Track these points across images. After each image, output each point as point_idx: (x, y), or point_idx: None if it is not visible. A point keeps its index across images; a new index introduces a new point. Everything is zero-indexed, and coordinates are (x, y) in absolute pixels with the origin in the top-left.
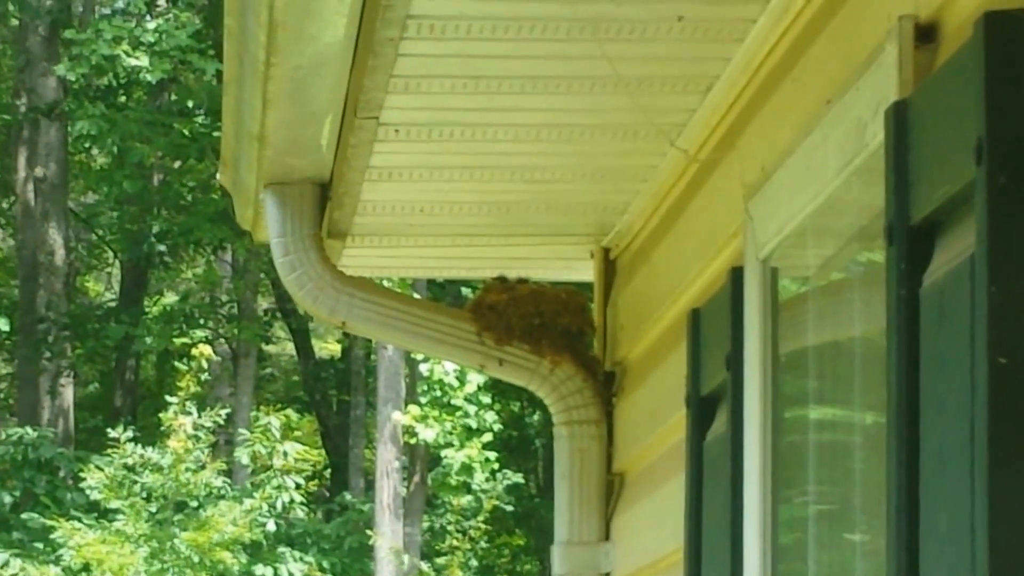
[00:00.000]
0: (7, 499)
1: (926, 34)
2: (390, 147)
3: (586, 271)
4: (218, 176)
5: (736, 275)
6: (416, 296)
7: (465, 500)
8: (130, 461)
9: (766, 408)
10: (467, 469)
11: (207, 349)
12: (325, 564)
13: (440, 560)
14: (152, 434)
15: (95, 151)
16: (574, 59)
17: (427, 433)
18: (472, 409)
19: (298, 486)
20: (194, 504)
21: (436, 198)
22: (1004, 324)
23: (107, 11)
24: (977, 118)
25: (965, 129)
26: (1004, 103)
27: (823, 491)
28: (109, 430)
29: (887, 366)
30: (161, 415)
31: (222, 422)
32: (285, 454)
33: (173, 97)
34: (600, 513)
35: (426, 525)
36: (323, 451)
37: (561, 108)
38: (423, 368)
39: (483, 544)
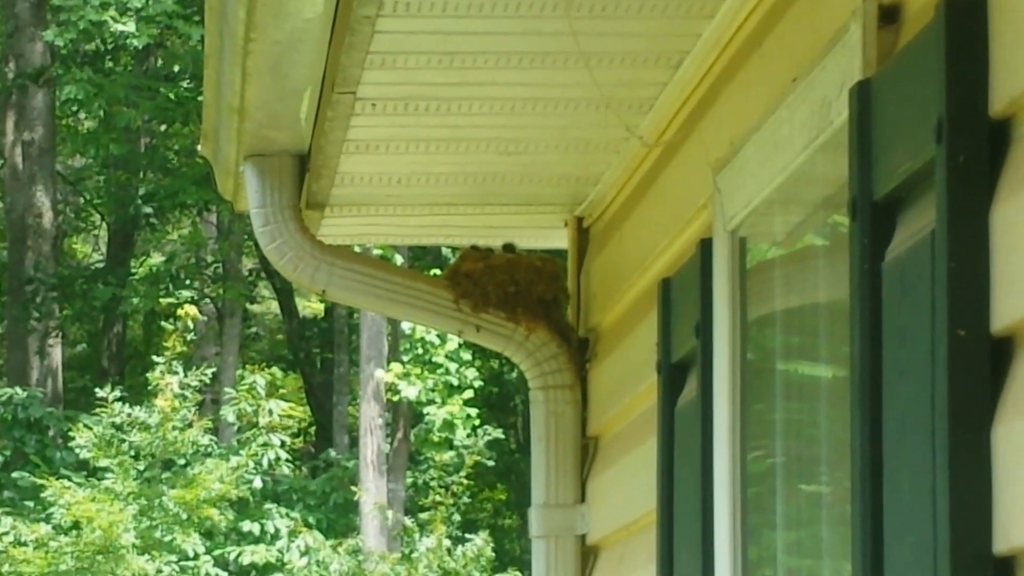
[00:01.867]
0: None
1: (889, 15)
2: (367, 121)
3: (560, 239)
4: (199, 147)
5: (705, 246)
6: (398, 256)
7: (447, 456)
8: (118, 420)
9: (735, 375)
10: (449, 425)
11: (193, 309)
12: (311, 519)
13: (423, 515)
14: (139, 393)
15: (82, 115)
16: (547, 35)
17: (409, 390)
18: (453, 366)
19: (283, 443)
20: (181, 462)
21: (413, 170)
22: (963, 298)
23: None
24: (937, 99)
25: (926, 109)
26: (963, 85)
27: (790, 454)
28: (97, 390)
29: (851, 337)
30: (148, 375)
31: (208, 381)
32: (270, 412)
33: (159, 62)
34: (576, 476)
35: (409, 481)
36: (308, 408)
37: (535, 83)
38: (405, 326)
39: (465, 499)
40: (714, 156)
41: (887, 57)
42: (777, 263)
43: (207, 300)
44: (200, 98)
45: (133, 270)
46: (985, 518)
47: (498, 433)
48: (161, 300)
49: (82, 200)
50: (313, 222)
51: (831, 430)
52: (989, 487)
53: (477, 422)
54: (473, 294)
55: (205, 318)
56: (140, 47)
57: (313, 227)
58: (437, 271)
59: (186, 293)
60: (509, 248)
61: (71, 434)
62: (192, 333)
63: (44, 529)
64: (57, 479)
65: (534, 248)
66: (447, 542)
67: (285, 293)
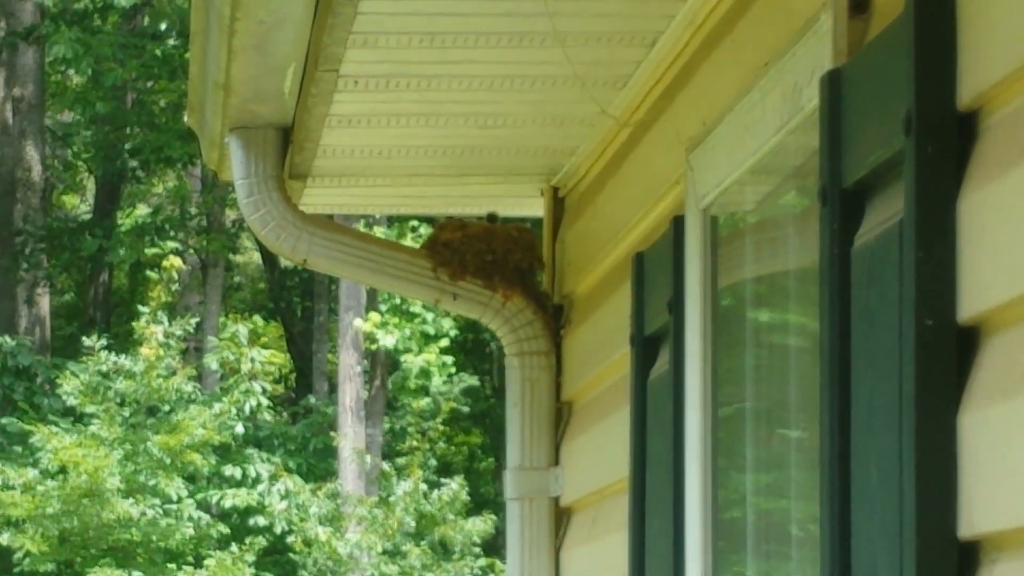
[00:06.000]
0: None
1: (859, 6)
2: (349, 97)
3: (536, 207)
4: (185, 119)
5: (678, 223)
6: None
7: (424, 402)
8: (104, 368)
9: (706, 350)
10: (425, 373)
11: (177, 260)
12: (291, 464)
13: (401, 460)
14: (125, 342)
15: (71, 72)
16: (524, 16)
17: (387, 339)
18: (429, 316)
19: (264, 390)
20: (166, 409)
21: (393, 143)
22: (930, 287)
23: None
24: (906, 91)
25: (895, 100)
26: (932, 77)
27: (761, 430)
28: (84, 338)
29: (820, 322)
30: (133, 323)
31: (192, 330)
32: (252, 360)
33: (146, 20)
34: (550, 439)
35: (387, 427)
36: (288, 356)
37: (512, 61)
38: None
39: (441, 444)
40: (686, 135)
41: (857, 47)
42: (749, 243)
43: (191, 251)
44: (186, 55)
45: (119, 222)
46: (950, 504)
47: (473, 380)
48: (146, 251)
49: (70, 154)
50: (296, 192)
51: (801, 407)
52: (955, 474)
53: (453, 369)
54: (451, 263)
55: (189, 268)
56: (127, 6)
57: (296, 196)
58: (415, 222)
59: (171, 244)
60: (492, 218)
61: (58, 381)
62: (176, 283)
63: (31, 474)
64: (44, 425)
65: (510, 216)
66: (423, 486)
67: None
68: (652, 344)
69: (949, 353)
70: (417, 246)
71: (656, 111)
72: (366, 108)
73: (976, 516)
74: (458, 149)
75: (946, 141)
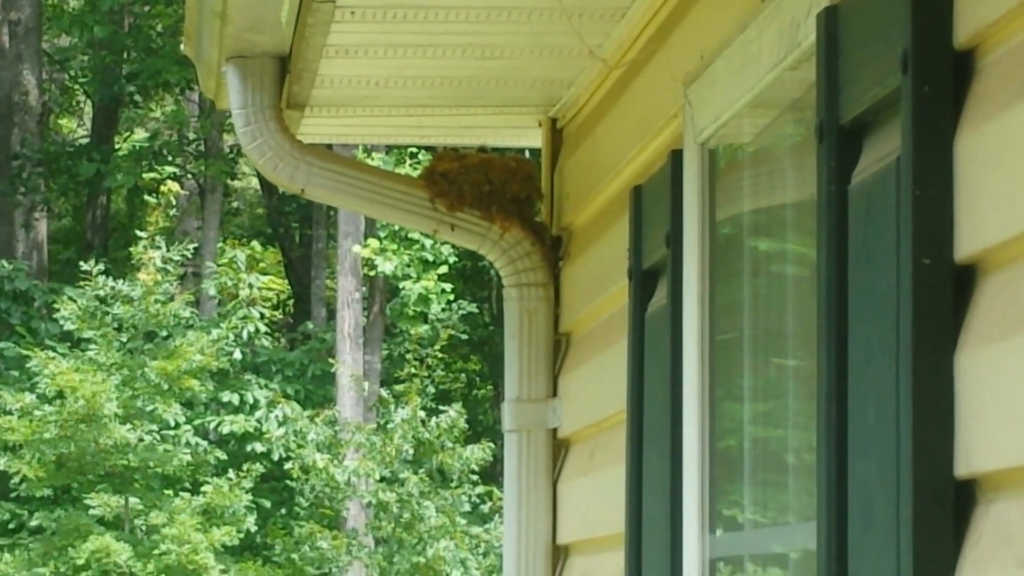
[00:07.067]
0: None
1: None
2: (347, 27)
3: (534, 139)
4: (182, 47)
5: (676, 157)
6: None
7: (422, 329)
8: (102, 293)
9: (704, 283)
10: (424, 300)
11: (175, 185)
12: (289, 390)
13: (399, 387)
14: (123, 267)
15: None
16: None
17: (386, 265)
18: (428, 243)
19: (263, 316)
20: (163, 334)
21: (391, 73)
22: (927, 226)
23: None
24: (903, 30)
25: (892, 39)
26: (929, 15)
27: (758, 363)
28: (81, 263)
29: (817, 259)
30: (131, 249)
31: (190, 255)
32: (250, 286)
33: None
34: (548, 371)
35: (385, 353)
36: (286, 282)
37: None
38: None
39: (440, 371)
40: (684, 68)
41: None
42: (746, 177)
43: (189, 176)
44: None
45: (117, 146)
46: (947, 443)
47: (472, 307)
48: (144, 176)
49: (67, 78)
50: (293, 121)
51: (798, 339)
52: (951, 413)
53: (451, 296)
54: (449, 193)
55: (187, 193)
56: None
57: (293, 126)
58: (415, 149)
59: (169, 169)
60: (483, 151)
61: (56, 306)
62: (174, 208)
63: (29, 398)
64: (42, 350)
65: (508, 147)
66: (421, 413)
67: None
68: (650, 277)
69: (946, 292)
70: (416, 174)
71: (653, 45)
72: (363, 39)
73: (973, 455)
74: (455, 80)
75: (943, 80)
